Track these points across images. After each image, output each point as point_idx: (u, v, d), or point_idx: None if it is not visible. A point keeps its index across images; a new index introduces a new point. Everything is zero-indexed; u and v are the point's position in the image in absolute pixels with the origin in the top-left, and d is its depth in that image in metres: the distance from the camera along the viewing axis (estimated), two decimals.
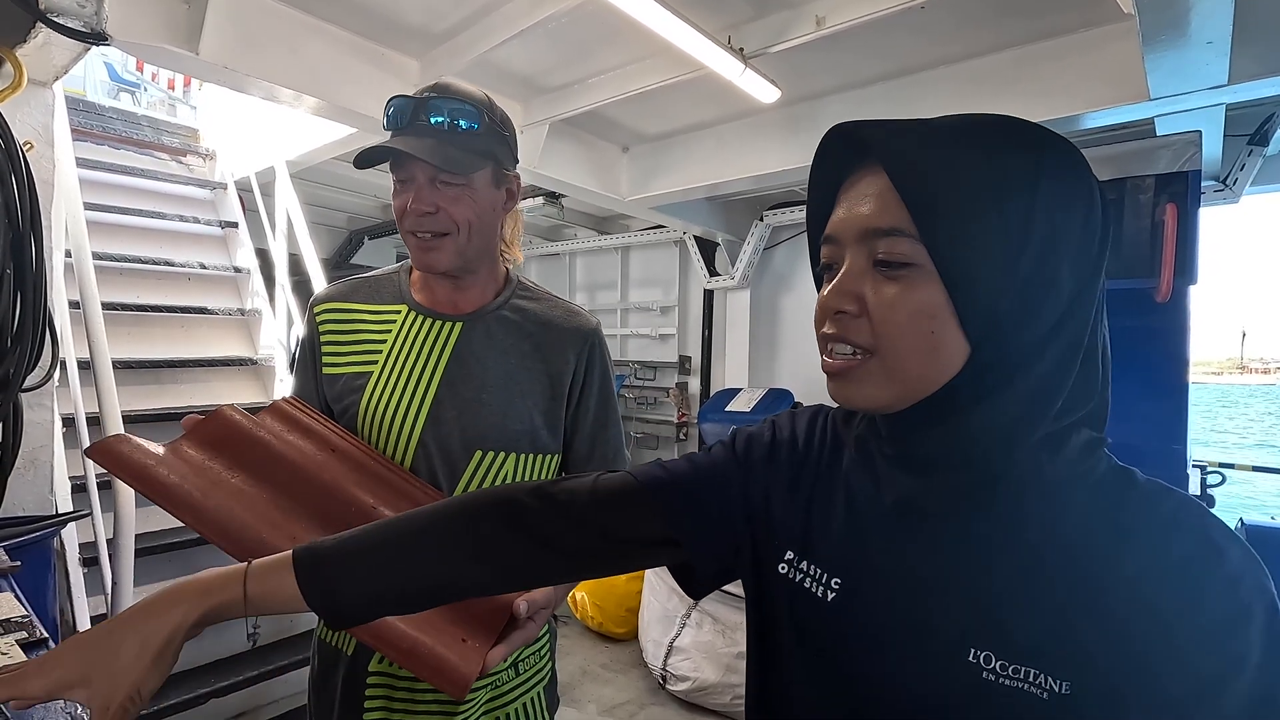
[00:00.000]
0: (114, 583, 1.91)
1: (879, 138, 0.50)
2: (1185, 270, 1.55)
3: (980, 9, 2.12)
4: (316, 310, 1.08)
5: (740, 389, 4.02)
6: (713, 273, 4.55)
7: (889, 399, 0.52)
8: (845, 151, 0.54)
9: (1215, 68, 1.75)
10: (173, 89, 7.38)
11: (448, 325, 1.04)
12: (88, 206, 2.49)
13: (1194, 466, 2.02)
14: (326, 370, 1.05)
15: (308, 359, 1.08)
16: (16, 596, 0.91)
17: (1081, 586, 0.48)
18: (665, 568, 0.68)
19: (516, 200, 1.07)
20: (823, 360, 0.54)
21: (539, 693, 1.07)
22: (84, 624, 2.01)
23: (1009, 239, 0.47)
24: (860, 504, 0.58)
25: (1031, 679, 0.47)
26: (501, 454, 1.01)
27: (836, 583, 0.57)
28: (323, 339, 1.06)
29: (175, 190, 3.48)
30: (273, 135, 3.27)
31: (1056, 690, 0.46)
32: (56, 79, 2.09)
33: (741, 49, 2.14)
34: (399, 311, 1.06)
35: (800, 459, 0.64)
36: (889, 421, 0.54)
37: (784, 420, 0.69)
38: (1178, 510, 0.48)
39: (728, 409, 3.79)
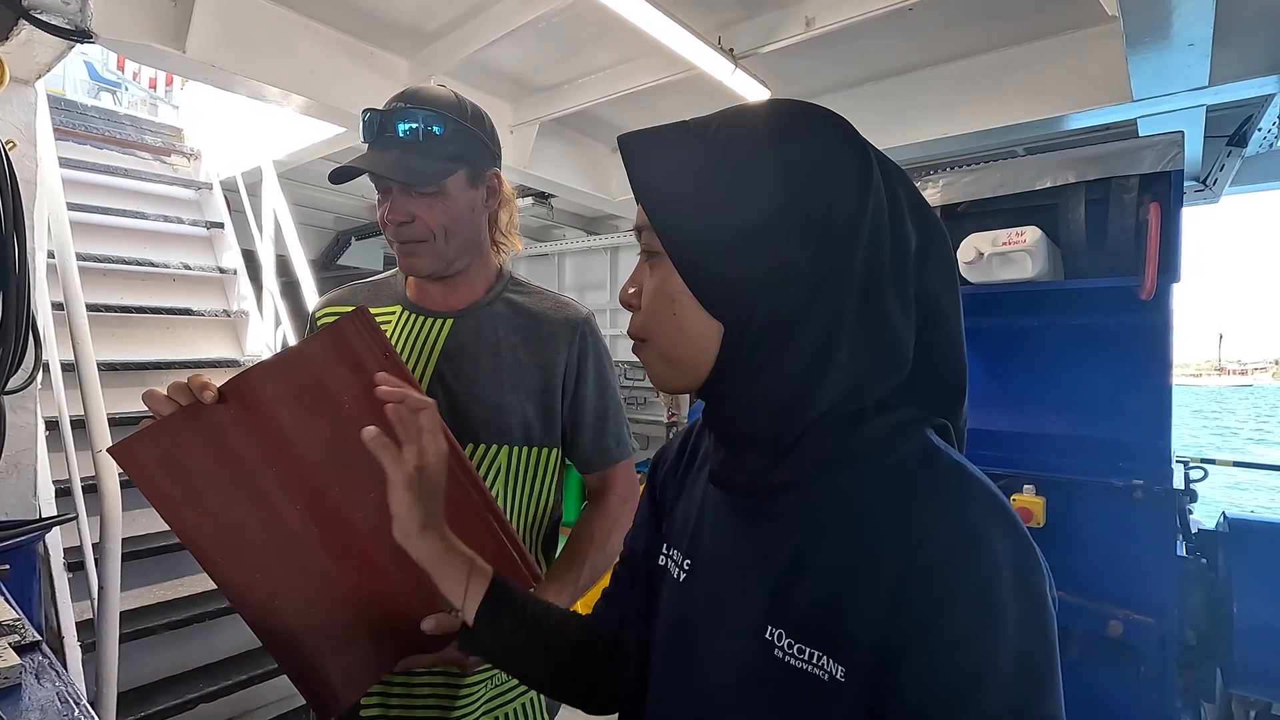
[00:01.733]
0: (101, 587, 1.88)
1: (629, 146, 0.54)
2: (1168, 268, 1.58)
3: (967, 11, 2.14)
4: (318, 316, 1.10)
5: None
6: None
7: (670, 379, 0.55)
8: None
9: (1196, 70, 1.78)
10: (154, 88, 7.29)
11: (439, 322, 1.05)
12: (70, 207, 2.45)
13: (1177, 462, 2.05)
14: None
15: None
16: (6, 599, 0.90)
17: (854, 569, 0.47)
18: None
19: (499, 195, 1.07)
20: None
21: (539, 693, 1.07)
22: (69, 630, 1.98)
23: (731, 221, 0.49)
24: (709, 490, 0.62)
25: (815, 660, 0.47)
26: (494, 447, 1.01)
27: (688, 564, 0.60)
28: None
29: (159, 190, 3.44)
30: (259, 135, 3.24)
31: (834, 675, 0.46)
32: (39, 77, 2.06)
33: (731, 49, 2.15)
34: (393, 312, 1.07)
35: (681, 458, 0.69)
36: (703, 402, 0.58)
37: (675, 437, 0.74)
38: (957, 496, 0.47)
39: None
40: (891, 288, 0.50)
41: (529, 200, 4.06)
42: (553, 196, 3.94)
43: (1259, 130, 2.38)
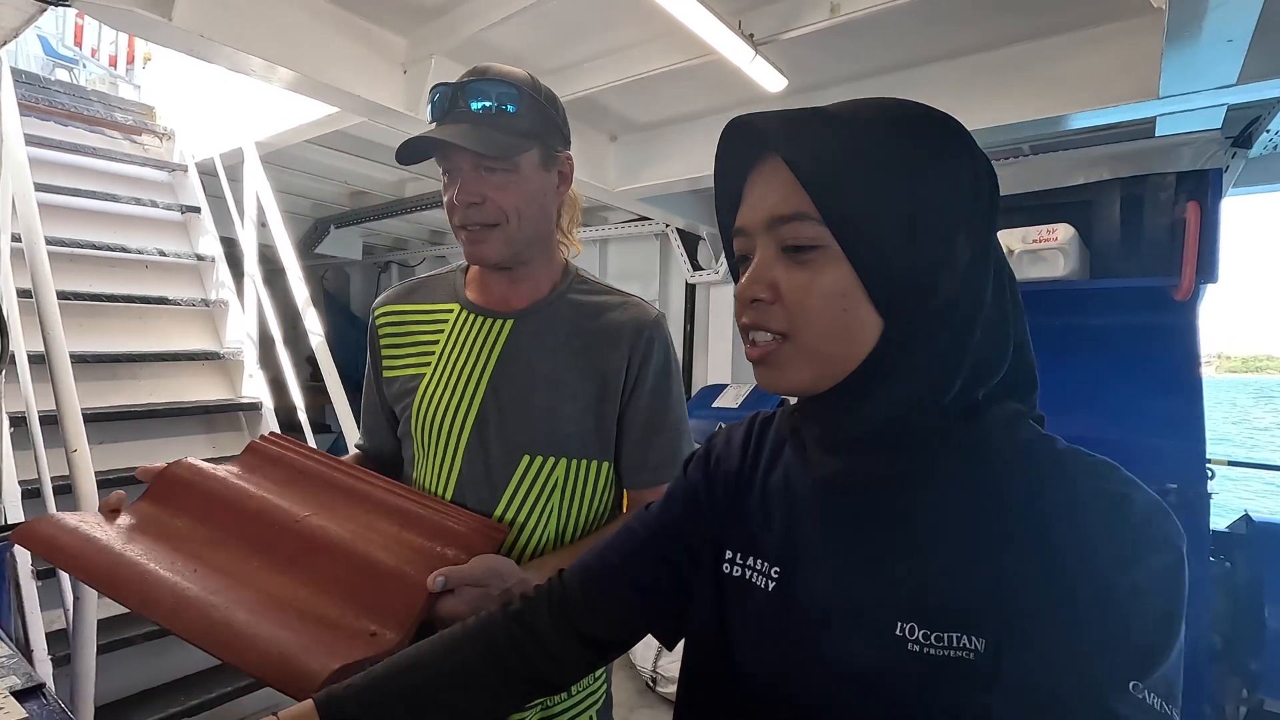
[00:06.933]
0: (76, 598, 1.74)
1: (774, 127, 0.51)
2: (1206, 268, 1.56)
3: (988, 4, 2.09)
4: (376, 314, 1.06)
5: (726, 385, 3.97)
6: (696, 267, 4.48)
7: (810, 380, 0.53)
8: (747, 144, 0.56)
9: (1228, 67, 1.75)
10: (114, 66, 6.93)
11: (498, 323, 0.98)
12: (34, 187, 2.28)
13: None
14: (386, 373, 1.03)
15: (368, 365, 1.08)
16: None
17: (986, 551, 0.49)
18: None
19: (570, 183, 1.00)
20: (745, 349, 0.56)
21: (592, 715, 1.00)
22: (39, 644, 1.84)
23: (904, 212, 0.49)
24: (798, 491, 0.60)
25: (956, 643, 0.48)
26: (550, 459, 0.94)
27: (776, 571, 0.59)
28: (382, 342, 1.04)
29: (129, 171, 3.24)
30: (239, 114, 3.06)
31: (980, 649, 0.47)
32: (4, 43, 1.90)
33: (752, 35, 2.07)
34: (451, 310, 1.01)
35: (738, 462, 0.67)
36: (813, 404, 0.57)
37: (721, 435, 0.72)
38: (1085, 468, 0.50)
39: (714, 405, 3.73)
40: (1008, 282, 0.54)
41: None
42: None
43: (1267, 132, 2.38)
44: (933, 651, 0.48)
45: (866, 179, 0.49)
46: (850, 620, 0.53)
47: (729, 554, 0.63)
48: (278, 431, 0.97)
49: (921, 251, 0.49)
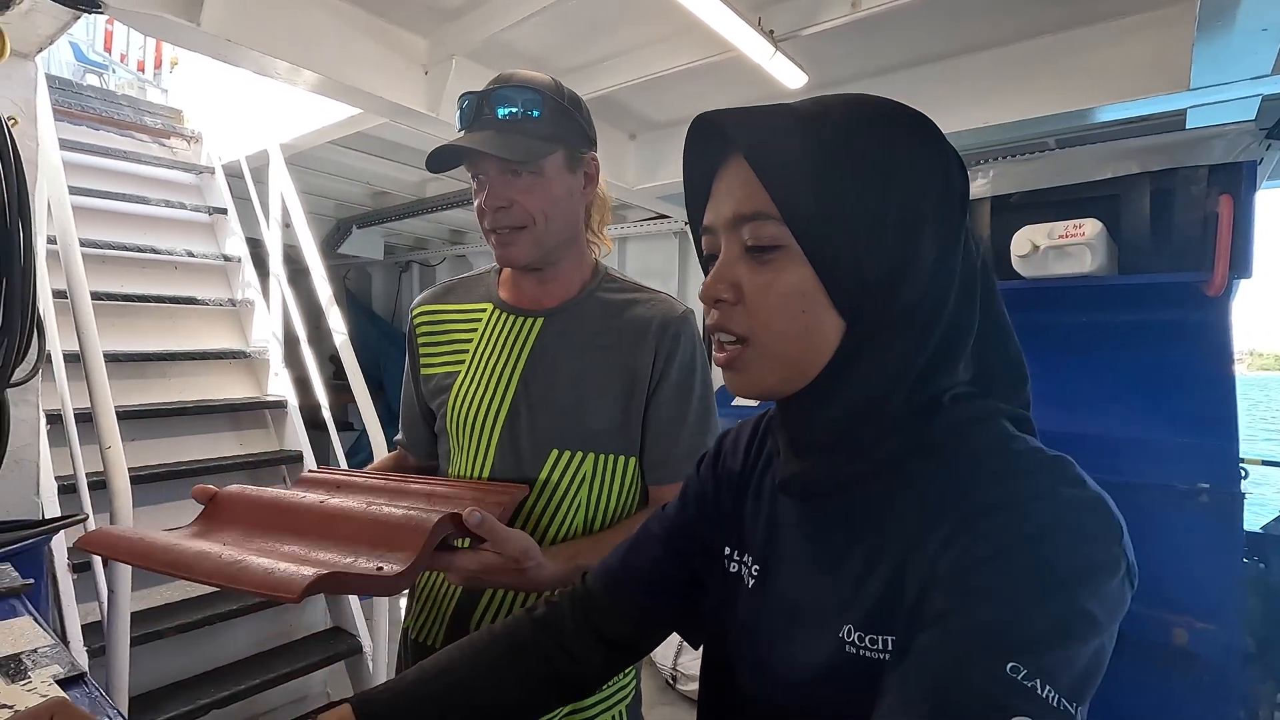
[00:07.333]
0: (111, 591, 1.78)
1: (737, 125, 0.50)
2: (1239, 263, 1.52)
3: None
4: (414, 313, 1.10)
5: None
6: None
7: (774, 384, 0.53)
8: (714, 141, 0.54)
9: (1263, 56, 1.71)
10: (142, 70, 7.08)
11: (529, 321, 1.01)
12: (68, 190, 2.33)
13: None
14: (423, 371, 1.07)
15: (407, 363, 1.12)
16: (36, 620, 0.81)
17: (911, 549, 0.48)
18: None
19: (596, 183, 1.01)
20: (714, 354, 0.55)
21: (621, 711, 1.01)
22: (75, 635, 1.89)
23: (870, 213, 0.48)
24: (778, 496, 0.61)
25: (882, 645, 0.48)
26: (579, 454, 0.96)
27: (756, 569, 0.60)
28: (419, 341, 1.08)
29: (158, 174, 3.30)
30: (264, 117, 3.11)
31: (890, 649, 0.47)
32: (40, 50, 1.95)
33: (772, 31, 2.06)
34: (485, 310, 1.05)
35: (741, 462, 0.68)
36: (781, 407, 0.57)
37: (732, 432, 0.73)
38: (1013, 463, 0.48)
39: (734, 403, 3.72)
40: (980, 281, 0.52)
41: None
42: None
43: None
44: (866, 653, 0.48)
45: (829, 179, 0.48)
46: (806, 620, 0.54)
47: (728, 550, 0.64)
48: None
49: (883, 254, 0.48)
